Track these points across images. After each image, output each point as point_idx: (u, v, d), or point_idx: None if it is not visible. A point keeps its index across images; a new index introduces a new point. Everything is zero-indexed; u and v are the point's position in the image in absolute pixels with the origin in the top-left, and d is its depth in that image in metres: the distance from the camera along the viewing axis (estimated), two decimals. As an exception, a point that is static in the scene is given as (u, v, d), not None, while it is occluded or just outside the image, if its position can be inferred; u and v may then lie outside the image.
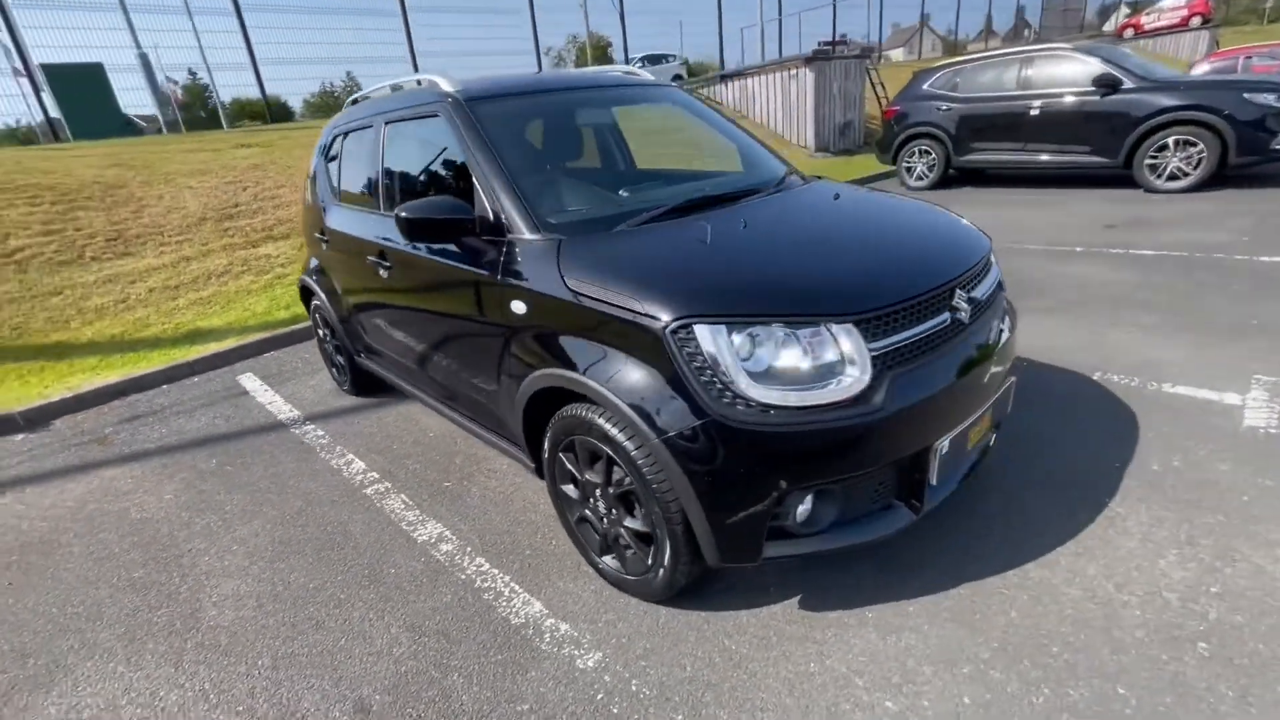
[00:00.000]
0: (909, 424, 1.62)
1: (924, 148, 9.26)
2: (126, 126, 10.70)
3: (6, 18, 7.57)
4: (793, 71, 12.04)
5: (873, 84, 13.61)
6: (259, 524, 2.64)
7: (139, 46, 8.93)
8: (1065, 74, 7.77)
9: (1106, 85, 7.26)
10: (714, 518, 1.62)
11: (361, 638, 1.97)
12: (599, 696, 1.69)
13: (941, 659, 1.69)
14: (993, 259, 2.16)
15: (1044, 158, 7.99)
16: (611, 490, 1.88)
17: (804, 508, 1.65)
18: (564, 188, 2.33)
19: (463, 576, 2.21)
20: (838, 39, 22.71)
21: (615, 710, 1.65)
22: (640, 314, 1.63)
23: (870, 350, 1.59)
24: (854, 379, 1.57)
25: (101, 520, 2.80)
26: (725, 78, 13.64)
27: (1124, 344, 3.44)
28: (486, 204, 2.10)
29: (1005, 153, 8.45)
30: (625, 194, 2.45)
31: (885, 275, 1.74)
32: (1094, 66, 7.45)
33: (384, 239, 2.68)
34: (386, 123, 2.76)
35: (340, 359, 3.76)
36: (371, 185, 2.85)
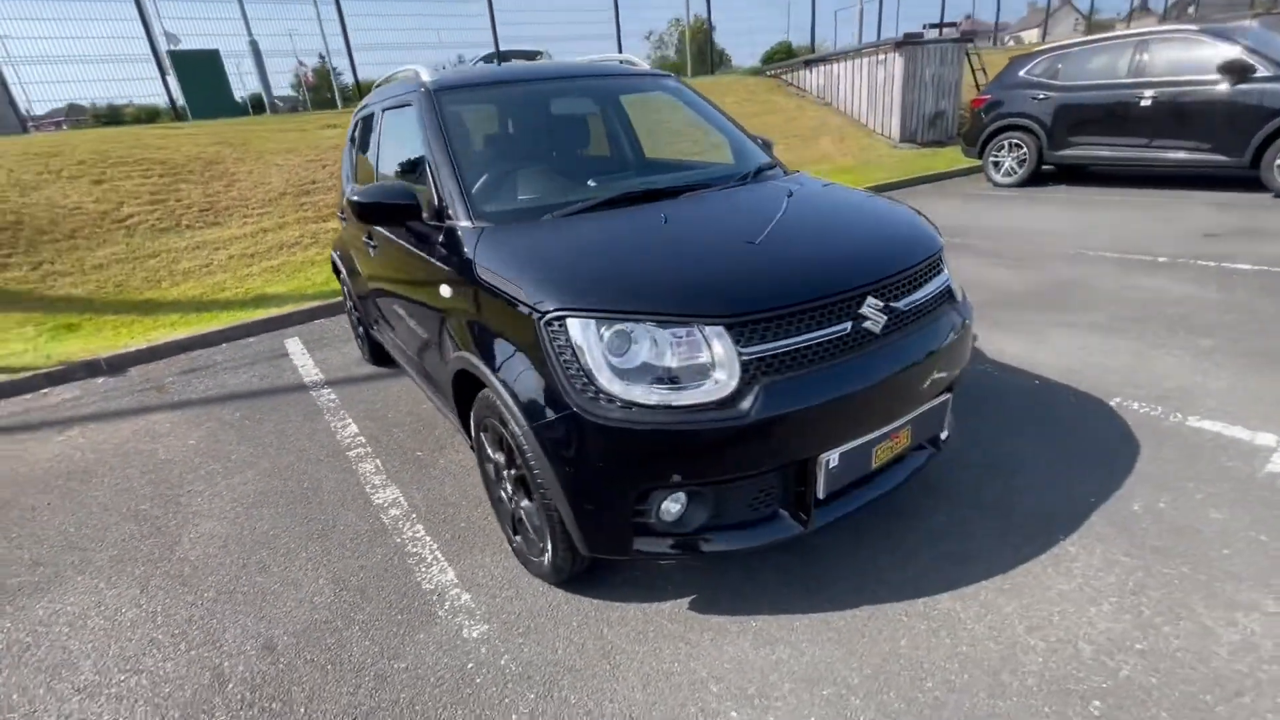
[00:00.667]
0: (781, 433, 1.57)
1: (1015, 140, 8.52)
2: (258, 108, 11.76)
3: (140, 7, 8.59)
4: (880, 57, 11.41)
5: (973, 70, 12.63)
6: (251, 474, 2.93)
7: (250, 34, 9.92)
8: (1188, 59, 6.88)
9: (1236, 72, 6.37)
10: (577, 508, 1.65)
11: (293, 585, 2.16)
12: (469, 666, 1.77)
13: (806, 678, 1.63)
14: (942, 266, 2.00)
15: (1153, 154, 7.14)
16: (511, 473, 1.95)
17: (672, 507, 1.64)
18: (516, 178, 2.38)
19: (398, 540, 2.35)
20: (956, 20, 21.13)
21: (478, 680, 1.72)
22: (522, 303, 1.67)
23: (742, 355, 1.54)
24: (719, 383, 1.54)
25: (134, 458, 3.20)
26: (810, 63, 13.12)
27: (1165, 369, 3.08)
28: (434, 189, 2.20)
29: (1107, 148, 7.63)
30: (593, 184, 2.47)
31: (770, 279, 1.67)
32: (1223, 50, 6.55)
33: (371, 219, 2.85)
34: (384, 110, 2.93)
35: (360, 330, 4.05)
36: (369, 166, 3.03)
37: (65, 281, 5.60)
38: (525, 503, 1.94)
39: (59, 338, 4.95)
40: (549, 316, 1.60)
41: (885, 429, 1.74)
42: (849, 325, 1.67)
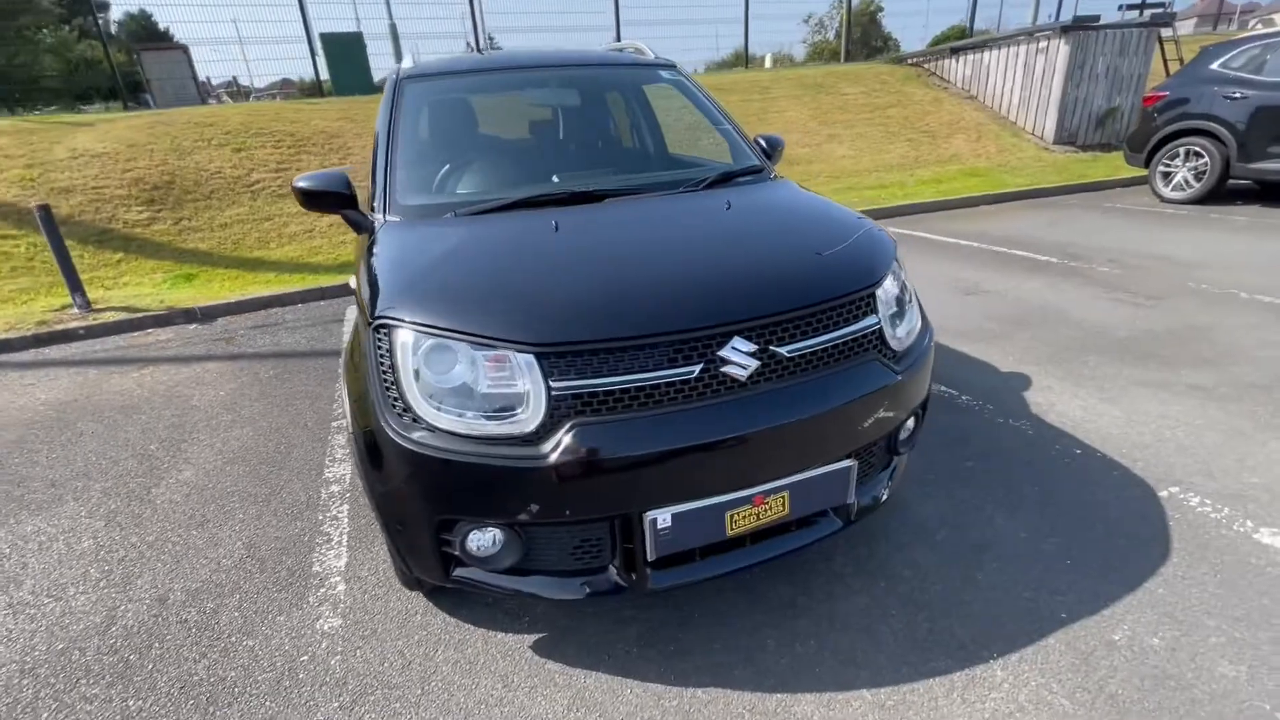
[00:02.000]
0: (589, 484, 1.38)
1: (1194, 148, 7.08)
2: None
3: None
4: (1041, 43, 9.96)
5: (1164, 60, 10.63)
6: (248, 431, 3.18)
7: (391, 17, 10.82)
8: None
9: None
10: (389, 528, 1.57)
11: (214, 544, 2.31)
12: (302, 659, 1.78)
13: (598, 759, 1.45)
14: (871, 307, 1.66)
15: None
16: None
17: (480, 541, 1.51)
18: (457, 173, 2.32)
19: (321, 516, 2.43)
20: (1154, 1, 17.86)
21: (300, 676, 1.72)
22: (365, 305, 1.61)
23: (553, 389, 1.37)
24: (525, 417, 1.38)
25: (174, 401, 3.60)
26: (956, 51, 11.77)
27: (1262, 459, 2.40)
28: (373, 178, 2.20)
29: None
30: (556, 179, 2.35)
31: (601, 305, 1.46)
32: None
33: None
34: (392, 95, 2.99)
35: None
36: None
37: (195, 236, 6.45)
38: (388, 506, 1.91)
39: (177, 286, 5.72)
40: (376, 323, 1.52)
41: (745, 492, 1.48)
42: (697, 369, 1.42)
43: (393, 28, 11.36)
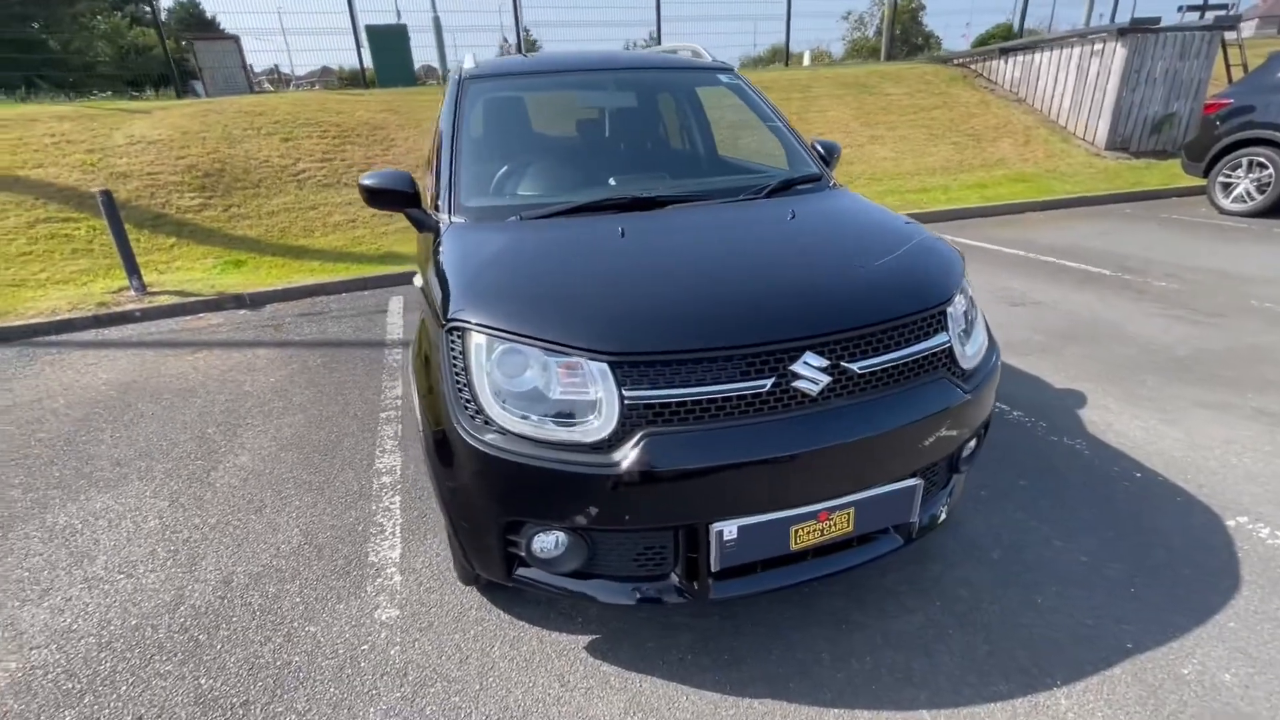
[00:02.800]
0: (659, 493, 1.39)
1: (1259, 158, 6.80)
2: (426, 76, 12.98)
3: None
4: (1096, 45, 9.65)
5: (1227, 65, 10.22)
6: (299, 419, 3.26)
7: (435, 10, 10.93)
8: None
9: None
10: (456, 525, 1.60)
11: (272, 529, 2.38)
12: (362, 648, 1.82)
13: (656, 765, 1.46)
14: (942, 324, 1.63)
15: None
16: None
17: (545, 543, 1.53)
18: (518, 175, 2.34)
19: (374, 506, 2.49)
20: (1216, 2, 17.10)
21: (361, 665, 1.77)
22: (435, 307, 1.64)
23: (626, 399, 1.38)
24: (597, 425, 1.39)
25: (228, 386, 3.71)
26: (1005, 52, 11.47)
27: (1330, 488, 2.30)
28: (435, 178, 2.23)
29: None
30: (613, 183, 2.36)
31: (676, 316, 1.46)
32: None
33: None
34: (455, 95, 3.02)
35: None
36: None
37: (244, 223, 6.62)
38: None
39: (227, 272, 5.88)
40: (449, 325, 1.55)
41: (811, 508, 1.48)
42: (769, 383, 1.42)
43: (436, 20, 11.50)
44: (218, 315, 5.06)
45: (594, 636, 1.83)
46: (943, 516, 1.81)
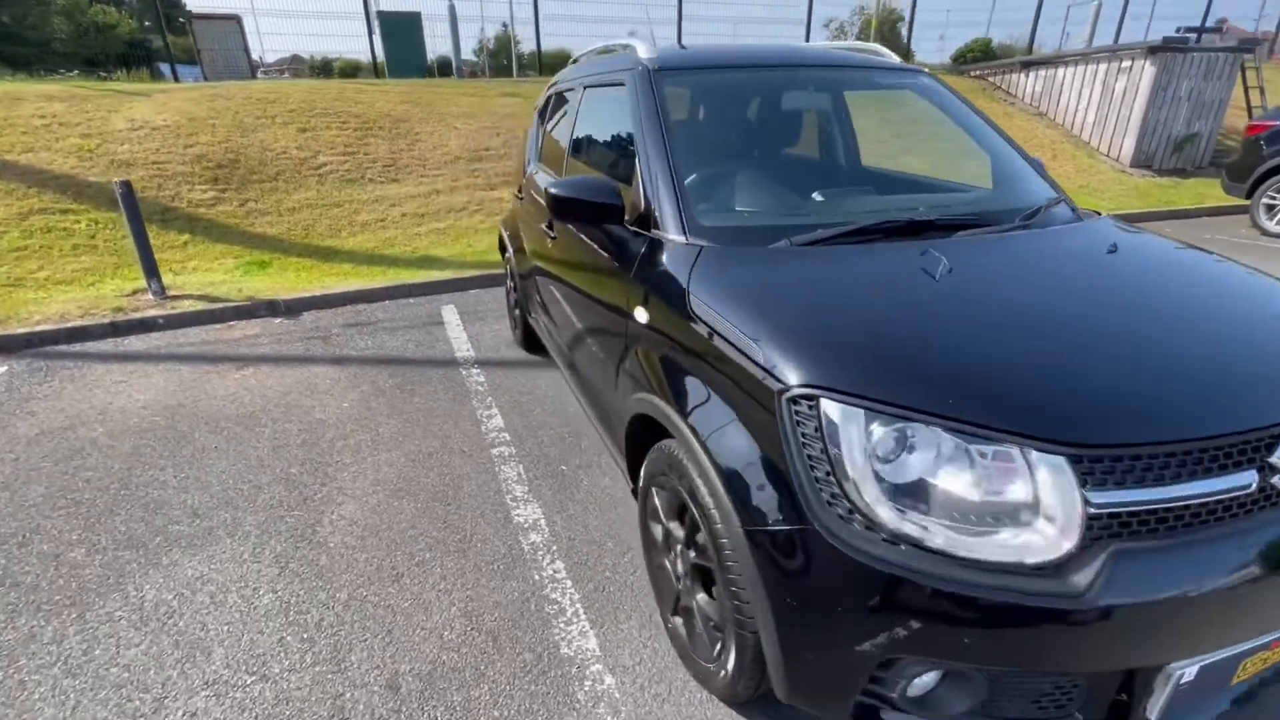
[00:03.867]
0: (1128, 629, 1.05)
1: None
2: (443, 69, 12.54)
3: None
4: (1125, 63, 9.67)
5: (1246, 89, 10.36)
6: (397, 455, 2.82)
7: (450, -1, 10.41)
8: None
9: None
10: (789, 646, 1.23)
11: (424, 609, 1.96)
12: (609, 789, 1.44)
13: None
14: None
15: None
16: (692, 555, 1.57)
17: (923, 682, 1.18)
18: (741, 185, 1.97)
19: (536, 576, 2.08)
20: (1210, 25, 17.56)
21: (620, 816, 1.38)
22: (757, 364, 1.26)
23: (1090, 504, 1.04)
24: (1046, 539, 1.04)
25: (294, 411, 3.23)
26: (1027, 65, 11.48)
27: None
28: (642, 190, 1.85)
29: None
30: (819, 198, 2.01)
31: (1154, 391, 1.13)
32: None
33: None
34: (585, 87, 2.63)
35: (516, 312, 3.89)
36: (562, 150, 2.76)
37: (263, 220, 6.05)
38: (702, 597, 1.57)
39: (251, 274, 5.32)
40: (795, 392, 1.18)
41: (1268, 636, 1.15)
42: (1251, 478, 1.09)
43: (451, 9, 10.94)
44: (252, 324, 4.52)
45: (897, 767, 1.48)
46: None
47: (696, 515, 1.46)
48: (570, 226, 2.30)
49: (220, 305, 4.62)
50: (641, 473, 1.81)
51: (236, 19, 10.64)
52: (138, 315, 4.41)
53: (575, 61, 3.31)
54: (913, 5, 14.01)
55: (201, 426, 3.09)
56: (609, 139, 2.40)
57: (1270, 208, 7.08)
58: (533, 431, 3.01)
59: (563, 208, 1.86)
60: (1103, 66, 10.00)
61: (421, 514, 2.41)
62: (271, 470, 2.71)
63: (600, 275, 2.03)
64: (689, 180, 1.80)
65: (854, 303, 1.38)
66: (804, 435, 1.17)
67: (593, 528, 2.32)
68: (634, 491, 1.99)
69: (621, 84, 2.17)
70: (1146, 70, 9.33)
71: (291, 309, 4.77)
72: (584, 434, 2.97)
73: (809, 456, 1.16)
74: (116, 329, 4.29)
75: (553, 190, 1.86)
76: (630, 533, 2.28)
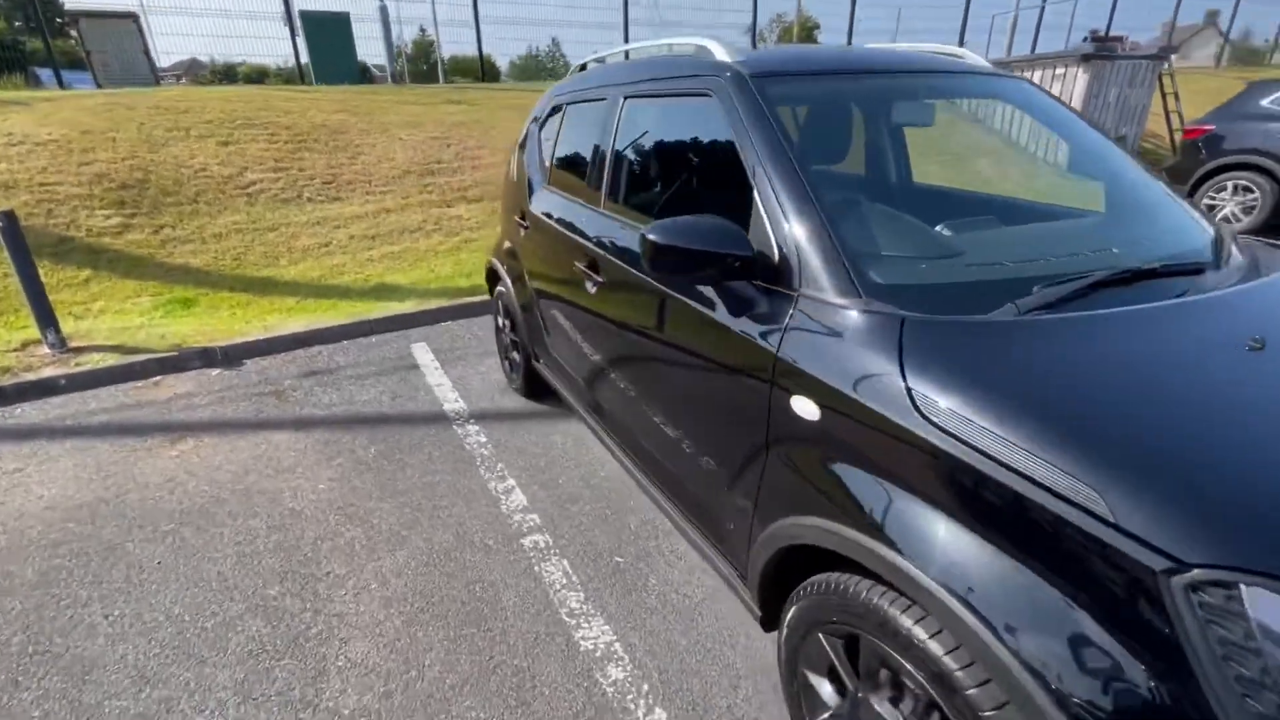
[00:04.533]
0: None
1: (1243, 182, 7.17)
2: (363, 75, 11.67)
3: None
4: (1060, 70, 10.04)
5: (1163, 94, 11.00)
6: (403, 556, 2.25)
7: (382, -1, 9.59)
8: None
9: None
10: None
11: (497, 806, 1.44)
12: None
13: None
14: None
15: None
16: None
17: None
18: (890, 224, 1.57)
19: (634, 735, 1.60)
20: (1114, 35, 18.86)
21: None
22: (1097, 518, 0.85)
23: None
24: None
25: (258, 500, 2.59)
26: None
27: None
28: (770, 234, 1.41)
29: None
30: (946, 232, 1.64)
31: None
32: None
33: (601, 245, 2.11)
34: (628, 97, 2.16)
35: (515, 356, 3.36)
36: (595, 173, 2.28)
37: (184, 249, 5.19)
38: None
39: (174, 314, 4.51)
40: (1201, 576, 0.77)
41: None
42: None
43: (383, 9, 10.06)
44: (182, 379, 3.76)
45: None
46: None
47: (934, 694, 1.04)
48: (647, 275, 1.82)
49: (139, 357, 3.82)
50: (792, 612, 1.37)
51: (133, 17, 9.34)
52: (31, 376, 3.57)
53: (584, 68, 2.84)
54: (851, 10, 14.18)
55: (135, 532, 2.40)
56: (685, 163, 1.94)
57: (1211, 209, 7.40)
58: (564, 508, 2.51)
59: (668, 258, 1.40)
60: (1040, 73, 10.34)
61: (456, 647, 1.87)
62: (242, 594, 2.09)
63: (710, 342, 1.57)
64: (840, 220, 1.37)
65: (1203, 410, 0.99)
66: (1220, 636, 0.76)
67: (683, 650, 1.85)
68: (763, 621, 1.54)
69: (704, 94, 1.72)
70: (1080, 77, 9.70)
71: (230, 357, 4.02)
72: (629, 507, 2.49)
73: (1227, 660, 0.76)
74: (3, 395, 3.44)
75: (653, 236, 1.40)
76: (734, 654, 1.84)
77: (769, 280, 1.40)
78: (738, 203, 1.52)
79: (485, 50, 9.98)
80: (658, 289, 1.74)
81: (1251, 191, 7.08)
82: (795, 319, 1.32)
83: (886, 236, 1.55)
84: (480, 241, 5.90)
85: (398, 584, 2.12)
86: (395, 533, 2.38)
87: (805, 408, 1.26)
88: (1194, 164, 7.52)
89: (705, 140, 1.84)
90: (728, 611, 1.98)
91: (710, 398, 1.59)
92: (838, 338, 1.23)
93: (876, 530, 1.12)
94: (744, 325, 1.43)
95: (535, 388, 3.31)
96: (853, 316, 1.23)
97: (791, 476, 1.33)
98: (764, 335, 1.37)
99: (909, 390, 1.08)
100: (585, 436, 3.03)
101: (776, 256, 1.39)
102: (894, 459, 1.11)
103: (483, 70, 10.47)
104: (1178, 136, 10.58)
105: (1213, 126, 7.50)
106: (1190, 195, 7.70)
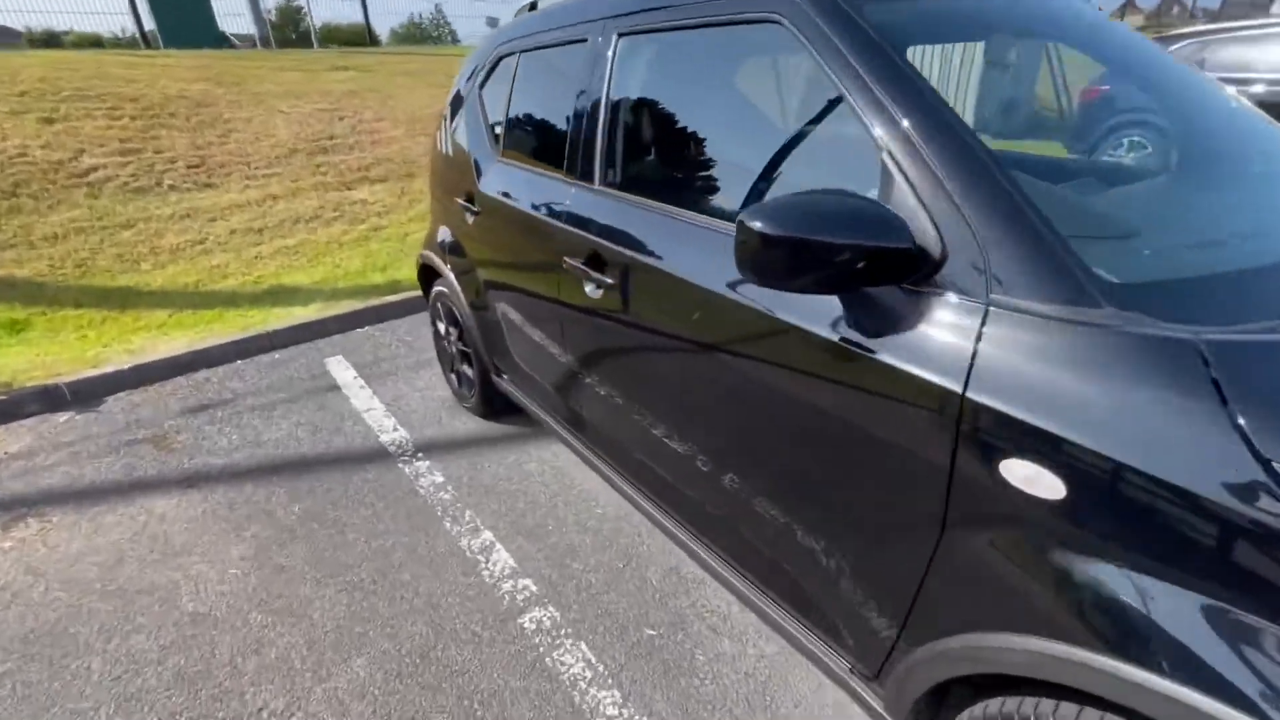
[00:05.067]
0: None
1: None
2: (222, 42, 10.10)
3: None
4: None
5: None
6: (363, 667, 1.68)
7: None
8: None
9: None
10: None
11: None
12: None
13: None
14: None
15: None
16: None
17: None
18: (1046, 196, 1.16)
19: None
20: None
21: None
22: None
23: None
24: None
25: (140, 604, 1.90)
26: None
27: None
28: (926, 216, 0.96)
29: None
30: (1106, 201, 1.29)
31: None
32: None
33: (605, 234, 1.59)
34: (623, 34, 1.63)
35: (468, 370, 2.76)
36: (584, 140, 1.73)
37: (6, 256, 4.09)
38: None
39: (0, 344, 3.50)
40: None
41: None
42: None
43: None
44: (16, 431, 2.87)
45: None
46: None
47: None
48: (695, 279, 1.33)
49: (-52, 408, 2.88)
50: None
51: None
52: None
53: (534, 7, 2.25)
54: None
55: (-51, 682, 1.67)
56: (741, 121, 1.45)
57: (1116, 164, 7.79)
58: (563, 566, 2.01)
59: (783, 258, 0.93)
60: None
61: (464, 804, 1.35)
62: (127, 765, 1.45)
63: (809, 368, 1.11)
64: (1036, 199, 0.94)
65: None
66: None
67: (768, 758, 1.43)
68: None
69: (768, 18, 1.22)
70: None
71: (83, 396, 3.14)
72: (641, 552, 2.03)
73: None
74: None
75: (757, 225, 0.92)
76: (833, 755, 1.44)
77: (929, 284, 0.96)
78: (828, 178, 1.06)
79: (360, 19, 8.83)
80: (719, 295, 1.26)
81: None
82: (990, 339, 0.89)
83: (1099, 215, 1.15)
84: (391, 229, 5.11)
85: (362, 712, 1.56)
86: (346, 631, 1.79)
87: (1032, 476, 0.84)
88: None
89: (768, 83, 1.36)
90: (798, 680, 1.58)
91: (817, 445, 1.14)
92: (1084, 369, 0.81)
93: (1181, 673, 0.72)
94: (888, 347, 0.98)
95: (495, 405, 2.75)
96: (1108, 341, 0.81)
97: (991, 574, 0.91)
98: (932, 363, 0.93)
99: (1256, 455, 0.67)
100: (565, 462, 2.52)
101: (938, 250, 0.95)
102: (1226, 560, 0.71)
103: (370, 33, 9.29)
104: None
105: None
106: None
